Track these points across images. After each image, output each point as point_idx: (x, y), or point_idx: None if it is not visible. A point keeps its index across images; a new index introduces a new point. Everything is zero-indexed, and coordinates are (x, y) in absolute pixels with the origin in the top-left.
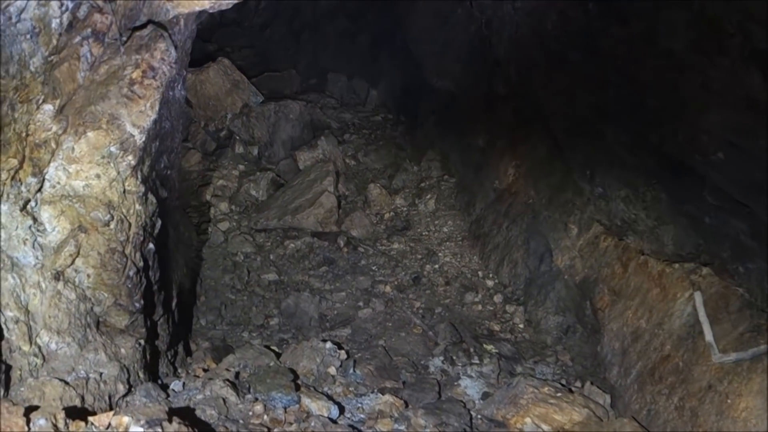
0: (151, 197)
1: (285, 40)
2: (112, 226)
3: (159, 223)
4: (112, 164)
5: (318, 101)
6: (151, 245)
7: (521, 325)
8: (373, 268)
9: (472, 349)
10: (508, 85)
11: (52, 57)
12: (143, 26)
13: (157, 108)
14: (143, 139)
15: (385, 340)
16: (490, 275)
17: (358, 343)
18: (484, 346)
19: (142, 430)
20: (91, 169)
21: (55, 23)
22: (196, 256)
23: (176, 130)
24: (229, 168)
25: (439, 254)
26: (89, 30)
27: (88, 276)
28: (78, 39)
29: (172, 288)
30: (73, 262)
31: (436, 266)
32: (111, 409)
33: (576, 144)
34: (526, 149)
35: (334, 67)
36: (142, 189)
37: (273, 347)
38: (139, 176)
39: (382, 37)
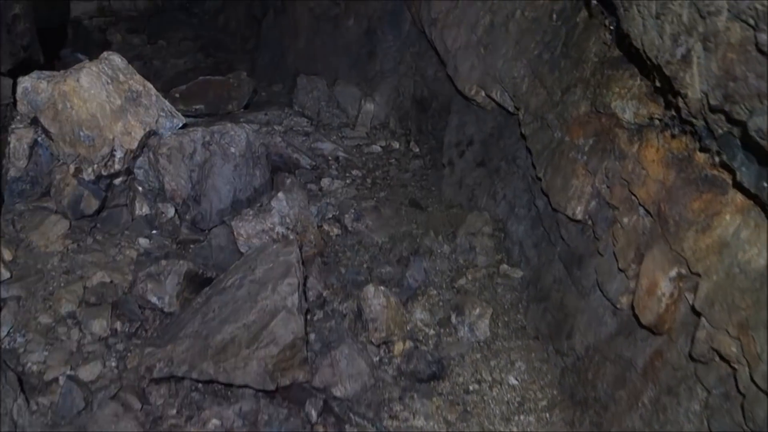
0: None
1: (243, 28)
2: None
3: None
4: None
5: (280, 121)
6: None
7: None
8: None
9: None
10: (667, 95)
11: None
12: None
13: None
14: None
15: None
16: None
17: None
18: None
19: None
20: None
21: None
22: None
23: None
24: (121, 246)
25: None
26: None
27: None
28: None
29: None
30: None
31: None
32: None
33: None
34: (717, 235)
35: (308, 66)
36: None
37: None
38: None
39: (382, 21)
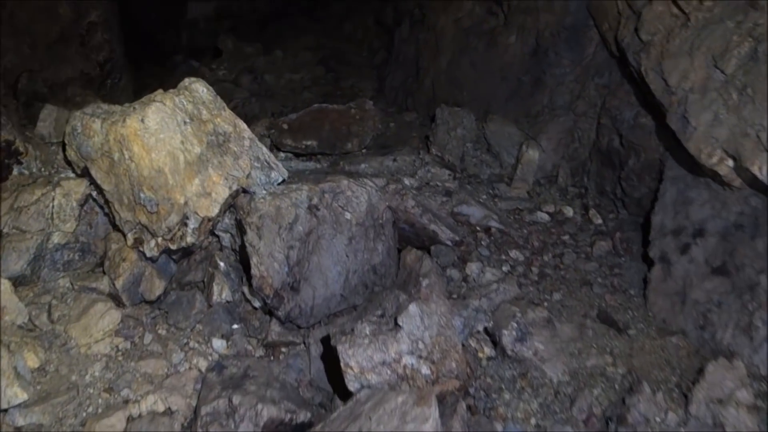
0: None
1: (370, 38)
2: None
3: None
4: None
5: (413, 171)
6: None
7: None
8: None
9: None
10: None
11: None
12: None
13: None
14: None
15: None
16: None
17: None
18: None
19: None
20: None
21: None
22: None
23: None
24: (189, 350)
25: None
26: None
27: None
28: None
29: None
30: None
31: None
32: None
33: None
34: None
35: (450, 93)
36: None
37: None
38: None
39: (556, 39)
